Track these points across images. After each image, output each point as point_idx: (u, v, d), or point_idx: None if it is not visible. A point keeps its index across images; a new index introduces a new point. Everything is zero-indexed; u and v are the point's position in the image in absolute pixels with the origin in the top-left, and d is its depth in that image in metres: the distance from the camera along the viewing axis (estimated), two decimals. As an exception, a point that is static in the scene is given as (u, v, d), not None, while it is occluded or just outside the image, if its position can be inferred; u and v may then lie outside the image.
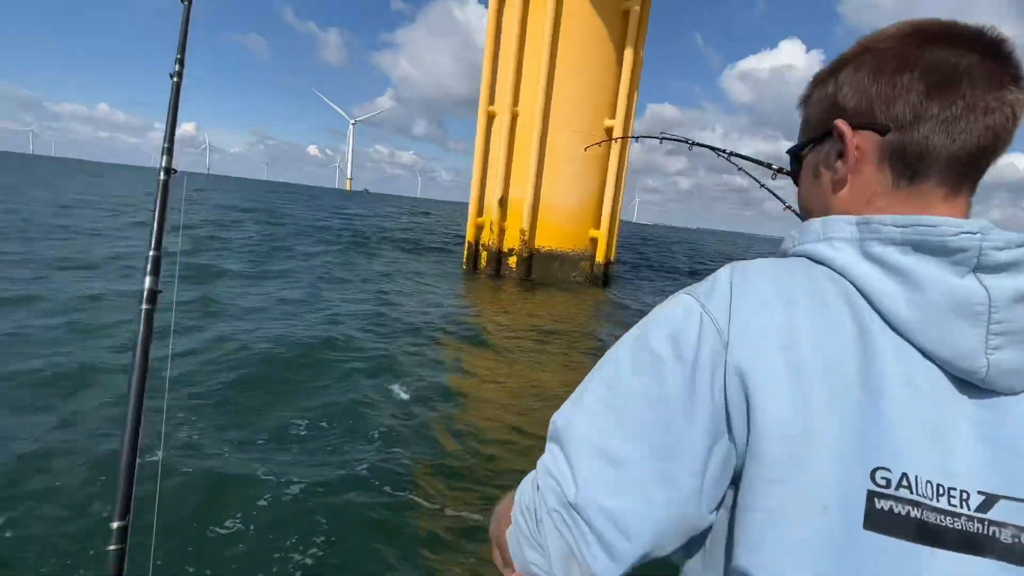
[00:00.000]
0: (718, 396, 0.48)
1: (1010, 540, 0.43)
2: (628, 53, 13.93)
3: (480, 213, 14.72)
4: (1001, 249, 0.45)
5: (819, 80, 0.59)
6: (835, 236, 0.52)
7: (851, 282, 0.49)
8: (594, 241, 14.80)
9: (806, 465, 0.44)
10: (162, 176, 0.96)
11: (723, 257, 37.06)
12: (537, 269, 14.26)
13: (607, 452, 0.49)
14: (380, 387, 4.86)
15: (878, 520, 0.43)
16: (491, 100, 14.19)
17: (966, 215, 0.53)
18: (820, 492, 0.44)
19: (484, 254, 14.56)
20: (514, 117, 13.78)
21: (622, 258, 25.46)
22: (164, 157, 0.98)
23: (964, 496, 0.44)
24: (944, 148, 0.50)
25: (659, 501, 0.48)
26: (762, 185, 1.98)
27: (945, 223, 0.46)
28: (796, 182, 0.66)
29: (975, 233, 0.45)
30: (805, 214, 0.63)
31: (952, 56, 0.49)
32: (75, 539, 2.42)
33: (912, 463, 0.44)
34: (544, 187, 13.94)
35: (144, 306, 0.79)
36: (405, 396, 4.72)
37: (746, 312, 0.49)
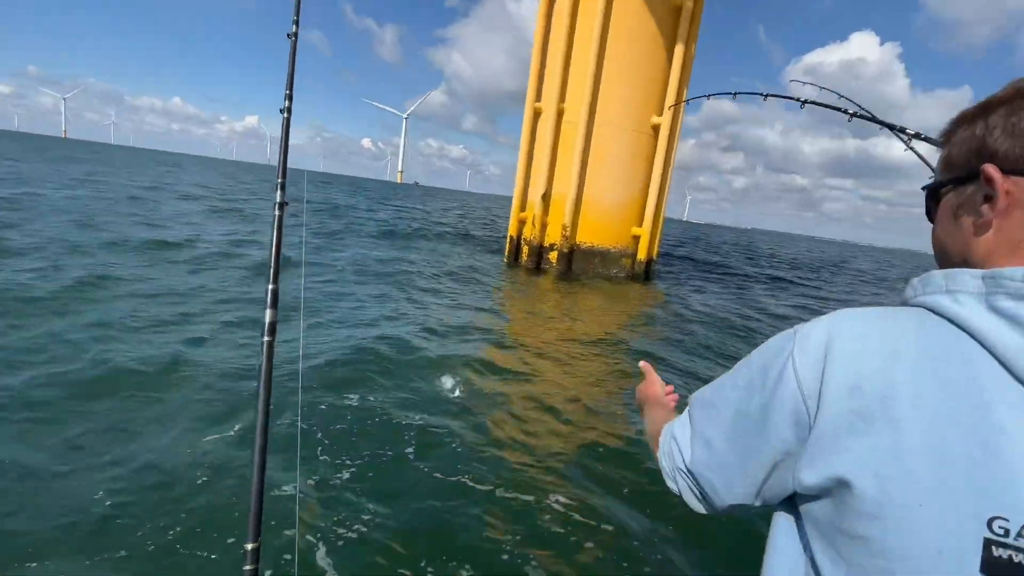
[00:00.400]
0: (787, 429, 0.55)
1: None
2: (679, 50, 13.79)
3: (523, 208, 14.97)
4: None
5: (966, 119, 0.58)
6: (959, 290, 0.51)
7: (974, 337, 0.48)
8: (636, 238, 14.79)
9: (909, 510, 0.46)
10: (277, 212, 0.92)
11: (773, 257, 35.86)
12: (577, 264, 14.39)
13: (707, 438, 0.66)
14: (429, 381, 5.10)
15: (996, 568, 0.43)
16: (538, 97, 14.38)
17: None
18: (931, 537, 0.45)
19: (525, 248, 14.83)
20: (560, 114, 13.92)
21: (669, 255, 25.11)
22: (279, 192, 0.94)
23: None
24: None
25: (737, 484, 0.63)
26: (904, 138, 1.95)
27: None
28: (931, 219, 0.64)
29: None
30: (939, 254, 0.62)
31: None
32: (206, 561, 2.43)
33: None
34: (587, 183, 14.04)
35: (266, 338, 0.79)
36: (454, 392, 4.95)
37: (833, 369, 0.52)
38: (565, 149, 13.97)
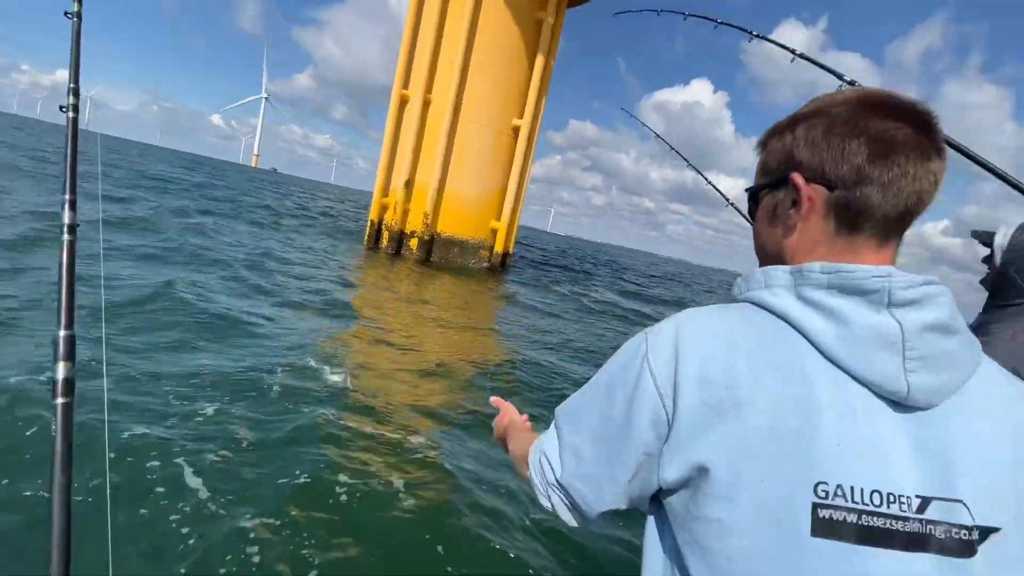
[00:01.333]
0: (648, 431, 0.58)
1: (943, 536, 0.49)
2: (539, 60, 14.94)
3: (386, 194, 14.98)
4: (906, 288, 0.53)
5: (777, 131, 0.65)
6: (775, 284, 0.59)
7: (789, 323, 0.56)
8: (494, 232, 15.62)
9: (753, 485, 0.51)
10: (66, 237, 0.75)
11: (611, 263, 39.86)
12: (437, 253, 14.78)
13: (575, 448, 0.66)
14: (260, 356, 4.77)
15: (822, 528, 0.49)
16: (405, 83, 14.55)
17: (893, 262, 0.60)
18: (770, 507, 0.50)
19: (386, 234, 14.84)
20: (426, 103, 14.24)
21: (527, 253, 26.65)
22: (67, 211, 0.74)
23: (904, 500, 0.50)
24: (879, 207, 0.57)
25: (607, 490, 0.63)
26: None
27: (860, 268, 0.54)
28: (752, 218, 0.70)
29: (883, 276, 0.53)
30: (759, 250, 0.70)
31: (892, 128, 0.56)
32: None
33: (852, 476, 0.50)
34: (450, 175, 14.52)
35: (59, 400, 0.64)
36: (311, 365, 4.77)
37: (683, 364, 0.56)
38: (430, 139, 14.32)
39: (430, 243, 14.60)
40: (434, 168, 14.13)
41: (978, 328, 1.63)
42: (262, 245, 11.56)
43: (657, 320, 0.65)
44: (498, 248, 15.62)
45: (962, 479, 0.51)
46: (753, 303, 0.60)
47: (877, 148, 0.56)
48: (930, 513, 0.50)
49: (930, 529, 0.50)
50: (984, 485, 0.51)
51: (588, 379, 0.70)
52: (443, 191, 14.46)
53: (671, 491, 0.58)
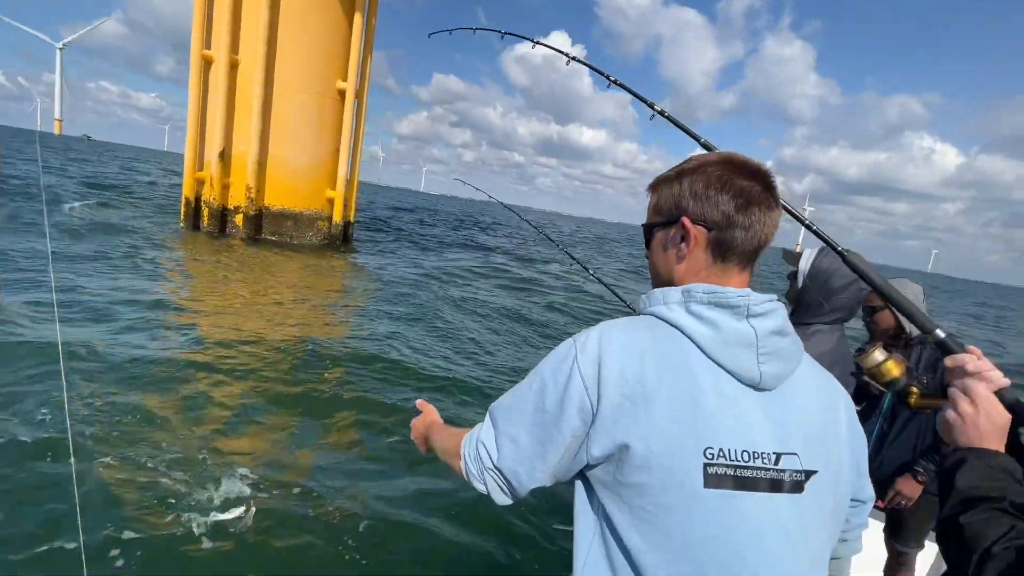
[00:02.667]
0: (576, 418, 0.73)
1: (789, 479, 0.71)
2: (357, 19, 14.29)
3: (200, 167, 13.68)
4: (758, 304, 0.74)
5: (666, 180, 0.83)
6: (671, 302, 0.77)
7: (680, 330, 0.74)
8: (331, 201, 15.11)
9: (661, 456, 0.68)
10: None
11: (480, 222, 40.56)
12: (269, 228, 13.99)
13: (513, 436, 0.79)
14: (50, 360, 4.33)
15: (711, 481, 0.67)
16: (206, 43, 13.14)
17: (749, 283, 0.81)
18: (675, 471, 0.68)
19: (206, 211, 13.65)
20: (233, 66, 13.04)
21: (377, 220, 26.04)
22: None
23: (765, 455, 0.70)
24: (742, 244, 0.78)
25: (539, 470, 0.77)
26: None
27: (730, 290, 0.74)
28: (648, 247, 0.87)
29: (744, 295, 0.74)
30: (653, 274, 0.88)
31: (748, 185, 0.77)
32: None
33: (728, 441, 0.69)
34: (273, 144, 13.62)
35: None
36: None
37: (605, 368, 0.72)
38: (243, 105, 13.22)
39: (258, 218, 13.76)
40: (251, 136, 13.14)
41: None
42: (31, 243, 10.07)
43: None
44: (336, 218, 15.16)
45: (794, 438, 0.73)
46: (655, 316, 0.78)
47: (740, 201, 0.76)
48: (782, 464, 0.71)
49: (782, 475, 0.70)
50: (807, 441, 0.73)
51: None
52: (266, 161, 13.57)
53: (597, 464, 0.73)
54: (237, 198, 13.60)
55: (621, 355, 0.73)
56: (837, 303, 1.74)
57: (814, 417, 0.77)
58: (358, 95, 14.96)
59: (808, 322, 1.77)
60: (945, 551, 0.76)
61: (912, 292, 2.21)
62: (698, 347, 0.73)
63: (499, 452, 0.80)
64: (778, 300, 0.77)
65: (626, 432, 0.70)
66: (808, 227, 1.30)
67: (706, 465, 0.68)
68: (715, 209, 0.77)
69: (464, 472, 0.86)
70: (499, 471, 0.80)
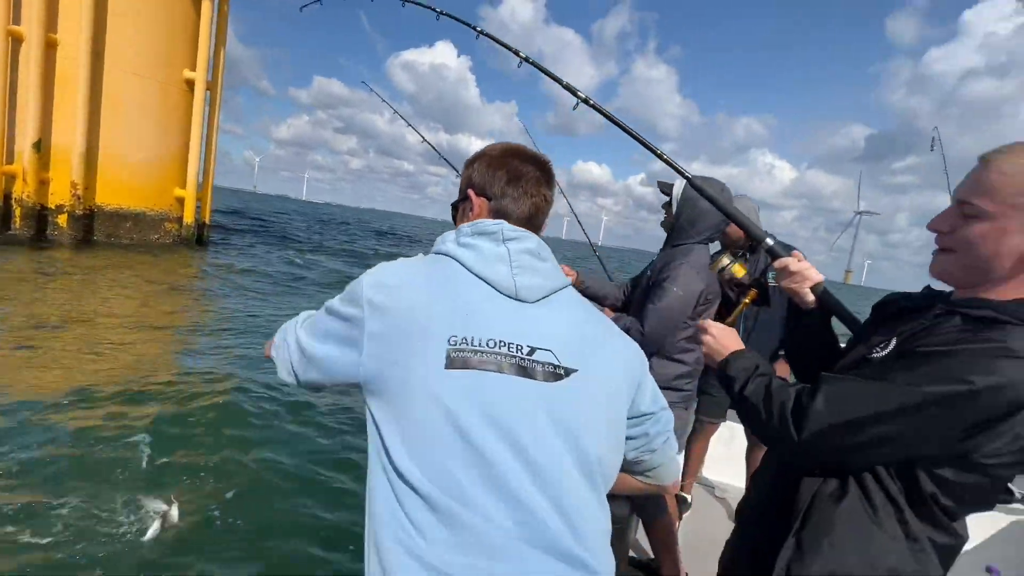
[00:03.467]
0: (356, 330, 0.84)
1: (542, 369, 0.81)
2: (206, 5, 13.25)
3: (10, 160, 11.75)
4: (510, 231, 0.90)
5: (467, 164, 1.02)
6: (447, 240, 0.92)
7: (451, 257, 0.89)
8: (181, 201, 13.76)
9: (415, 343, 0.79)
10: None
11: (344, 228, 39.38)
12: (102, 230, 12.40)
13: (304, 346, 0.92)
14: None
15: (453, 363, 0.77)
16: (13, 18, 11.37)
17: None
18: (427, 355, 0.78)
19: (18, 211, 11.75)
20: (51, 45, 11.43)
21: (239, 225, 24.26)
22: None
23: (517, 347, 0.81)
24: (513, 211, 0.95)
25: (312, 372, 0.91)
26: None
27: (488, 221, 0.92)
28: (453, 220, 1.06)
29: (499, 224, 0.90)
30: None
31: (522, 166, 0.97)
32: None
33: (475, 332, 0.80)
34: (106, 135, 12.13)
35: None
36: None
37: (380, 291, 0.84)
38: (65, 90, 11.61)
39: (88, 219, 12.14)
40: (76, 126, 11.60)
41: (664, 266, 1.96)
42: None
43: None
44: (188, 219, 13.84)
45: (550, 340, 0.84)
46: (435, 253, 0.93)
47: (511, 176, 0.96)
48: (536, 356, 0.82)
49: (535, 365, 0.81)
50: (563, 345, 0.85)
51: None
52: (96, 154, 12.04)
53: (370, 376, 0.82)
54: (60, 196, 11.89)
55: (391, 273, 0.87)
56: (705, 224, 1.96)
57: (574, 328, 0.89)
58: (210, 87, 13.84)
59: (684, 242, 1.99)
60: (748, 421, 1.00)
61: (746, 207, 2.51)
62: (465, 267, 0.87)
63: (299, 348, 0.94)
64: (532, 234, 0.94)
65: (385, 338, 0.81)
66: (660, 157, 1.53)
67: (449, 351, 0.78)
68: (492, 184, 0.97)
69: (276, 359, 1.00)
70: (295, 372, 0.95)
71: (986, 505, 0.90)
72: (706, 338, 1.17)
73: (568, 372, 0.83)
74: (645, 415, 0.98)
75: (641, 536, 2.36)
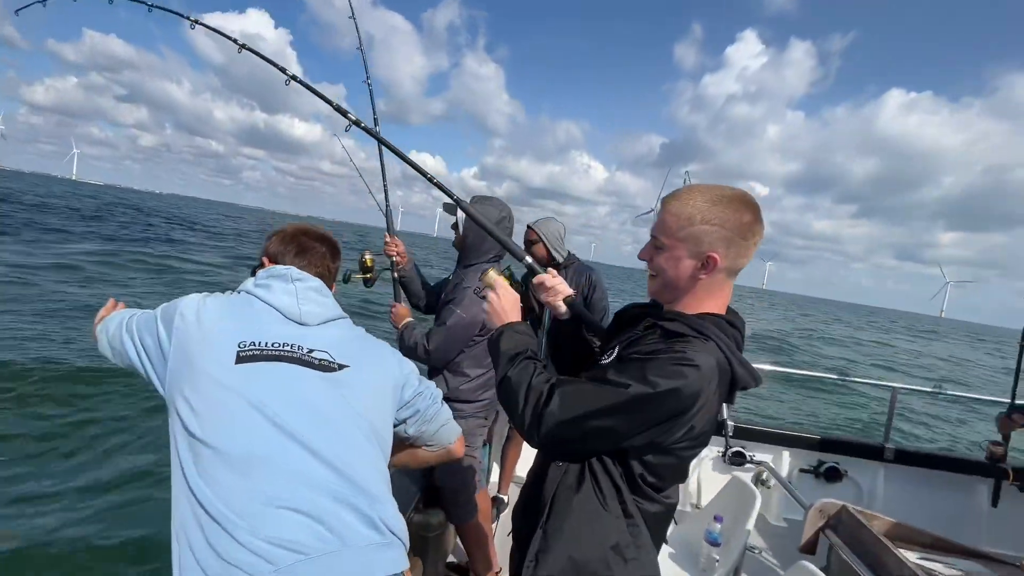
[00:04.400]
0: (155, 347, 1.03)
1: (320, 362, 1.00)
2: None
3: None
4: (298, 273, 1.12)
5: (267, 238, 1.24)
6: (247, 283, 1.12)
7: (250, 293, 1.09)
8: None
9: (208, 351, 0.97)
10: None
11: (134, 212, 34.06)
12: None
13: (130, 335, 1.09)
14: None
15: (242, 359, 0.95)
16: None
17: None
18: (218, 357, 0.95)
19: None
20: None
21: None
22: None
23: (297, 347, 1.01)
24: (293, 268, 1.16)
25: (133, 355, 1.07)
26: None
27: (280, 267, 1.14)
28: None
29: (288, 269, 1.12)
30: None
31: (310, 243, 1.22)
32: None
33: (263, 337, 0.99)
34: None
35: None
36: None
37: (181, 316, 1.03)
38: None
39: None
40: None
41: (454, 287, 1.98)
42: None
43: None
44: None
45: (327, 345, 1.05)
46: (238, 292, 1.13)
47: (295, 248, 1.21)
48: (314, 354, 1.02)
49: (312, 358, 1.01)
50: (338, 349, 1.06)
51: None
52: None
53: (172, 391, 0.98)
54: None
55: (192, 304, 1.06)
56: (490, 244, 2.00)
57: (347, 340, 1.10)
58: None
59: (474, 263, 2.03)
60: (505, 404, 0.99)
61: (552, 229, 2.70)
62: (259, 299, 1.07)
63: (122, 334, 1.12)
64: (316, 279, 1.15)
65: (183, 357, 0.98)
66: (433, 182, 1.42)
67: (239, 352, 0.96)
68: (284, 256, 1.19)
69: (103, 346, 1.18)
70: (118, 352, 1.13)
71: (682, 478, 1.05)
72: (491, 296, 1.14)
73: (341, 367, 1.03)
74: (414, 396, 1.17)
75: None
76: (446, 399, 1.35)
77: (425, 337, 1.99)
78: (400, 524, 0.97)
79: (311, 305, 1.08)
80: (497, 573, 2.17)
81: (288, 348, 0.99)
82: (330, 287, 1.19)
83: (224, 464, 0.86)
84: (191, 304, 1.05)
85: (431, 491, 2.11)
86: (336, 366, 1.02)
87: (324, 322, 1.09)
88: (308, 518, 0.84)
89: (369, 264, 2.20)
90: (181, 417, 0.92)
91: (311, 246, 1.19)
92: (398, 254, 2.25)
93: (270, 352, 0.97)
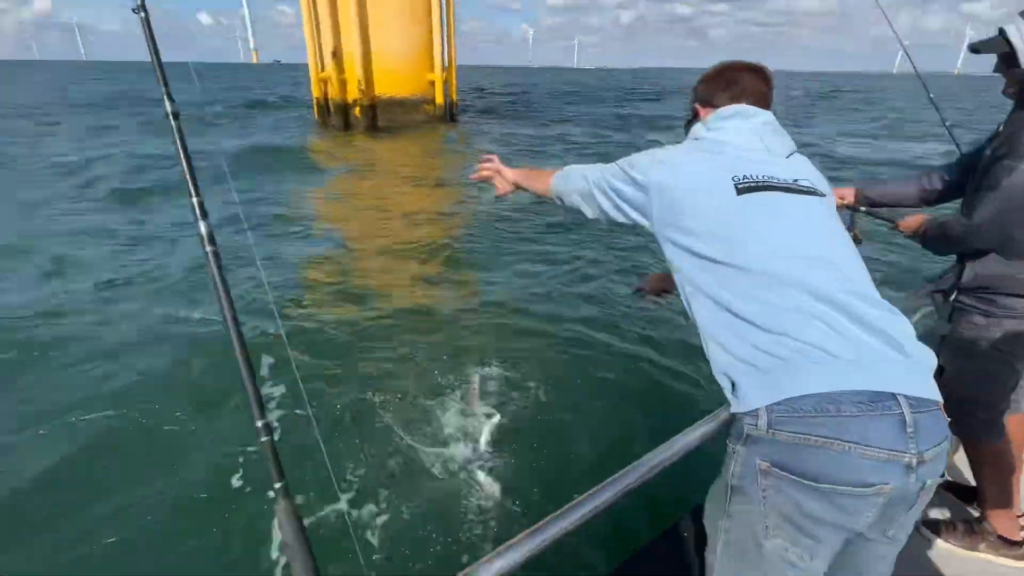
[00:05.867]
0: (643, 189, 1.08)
1: (806, 188, 1.02)
2: None
3: (322, 68, 15.81)
4: (751, 109, 1.12)
5: (693, 88, 1.24)
6: (698, 130, 1.12)
7: (713, 140, 1.08)
8: (432, 84, 16.32)
9: (709, 188, 1.00)
10: (172, 122, 0.84)
11: (598, 100, 38.05)
12: (383, 116, 15.87)
13: (607, 184, 1.14)
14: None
15: (741, 191, 0.98)
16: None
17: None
18: (718, 193, 0.99)
19: (331, 107, 15.97)
20: (330, -33, 14.27)
21: (488, 101, 26.63)
22: (166, 100, 0.83)
23: (783, 179, 1.01)
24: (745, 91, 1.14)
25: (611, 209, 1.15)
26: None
27: (732, 109, 1.12)
28: (688, 125, 1.23)
29: (739, 107, 1.11)
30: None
31: (737, 75, 1.16)
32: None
33: (751, 171, 1.00)
34: (373, 35, 14.99)
35: (208, 248, 0.81)
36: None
37: (658, 171, 1.06)
38: (345, 3, 14.59)
39: (372, 108, 15.65)
40: (352, 30, 14.64)
41: (1009, 137, 1.43)
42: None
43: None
44: (439, 99, 16.43)
45: (803, 175, 1.06)
46: (692, 139, 1.15)
47: (728, 83, 1.16)
48: (800, 183, 1.03)
49: (801, 187, 1.03)
50: (811, 179, 1.07)
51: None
52: (369, 53, 15.09)
53: (659, 219, 1.05)
54: (352, 92, 15.58)
55: (661, 156, 1.09)
56: None
57: (814, 171, 1.12)
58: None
59: None
60: None
61: None
62: (725, 143, 1.07)
63: (606, 183, 1.15)
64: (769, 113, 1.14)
65: (669, 184, 1.03)
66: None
67: (736, 184, 0.99)
68: (712, 95, 1.17)
69: (561, 193, 1.26)
70: (591, 195, 1.18)
71: None
72: None
73: (820, 195, 1.06)
74: None
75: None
76: (991, 292, 1.30)
77: (963, 213, 1.54)
78: (924, 350, 0.90)
79: (774, 139, 1.09)
80: (1019, 517, 1.73)
81: (778, 180, 1.01)
82: (770, 104, 1.18)
83: (746, 279, 0.92)
84: (660, 153, 1.10)
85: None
86: (820, 193, 1.05)
87: (791, 153, 1.10)
88: (836, 333, 0.85)
89: None
90: (686, 245, 0.99)
91: (738, 77, 1.16)
92: None
93: (765, 183, 1.00)
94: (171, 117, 0.85)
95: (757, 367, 0.86)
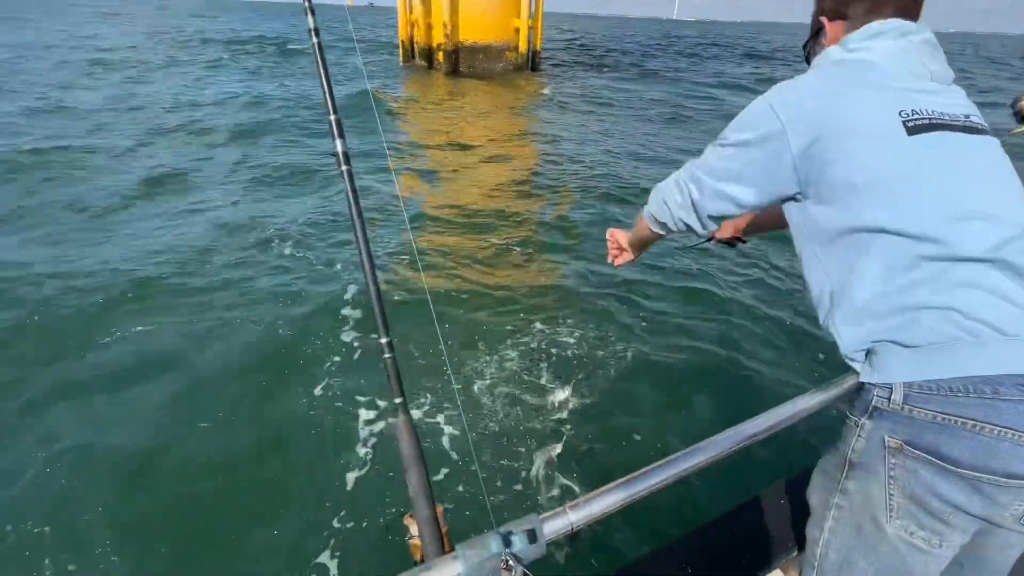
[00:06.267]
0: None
1: (974, 125, 0.85)
2: None
3: (410, 11, 15.92)
4: (905, 24, 0.90)
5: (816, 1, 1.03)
6: (833, 54, 0.92)
7: (859, 61, 0.88)
8: (517, 31, 16.02)
9: (872, 128, 0.81)
10: (315, 38, 0.87)
11: (686, 54, 35.55)
12: (465, 62, 15.88)
13: (715, 174, 0.93)
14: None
15: (911, 131, 0.80)
16: None
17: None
18: (886, 133, 0.81)
19: (417, 50, 16.16)
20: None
21: (570, 51, 25.52)
22: (312, 27, 0.87)
23: (955, 115, 0.83)
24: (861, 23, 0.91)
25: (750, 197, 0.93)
26: None
27: (881, 24, 0.89)
28: (808, 59, 1.06)
29: (891, 22, 0.89)
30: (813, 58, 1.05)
31: None
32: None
33: (919, 106, 0.82)
34: (462, -21, 14.86)
35: (344, 167, 0.82)
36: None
37: (806, 103, 0.86)
38: (435, -56, 14.48)
39: (455, 53, 15.68)
40: (442, -25, 14.57)
41: None
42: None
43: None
44: (522, 47, 16.14)
45: (972, 111, 0.90)
46: (829, 64, 0.94)
47: None
48: (971, 120, 0.88)
49: (970, 123, 0.87)
50: (973, 116, 0.89)
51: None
52: (457, -1, 14.99)
53: (809, 175, 0.87)
54: (438, 36, 15.65)
55: (795, 88, 0.90)
56: None
57: (967, 104, 0.94)
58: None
59: None
60: None
61: None
62: (870, 65, 0.90)
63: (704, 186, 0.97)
64: (925, 27, 0.95)
65: (815, 140, 0.84)
66: None
67: (904, 122, 0.82)
68: (845, 6, 0.98)
69: (664, 212, 1.05)
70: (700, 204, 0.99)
71: None
72: None
73: (985, 132, 0.91)
74: None
75: None
76: None
77: None
78: None
79: (936, 64, 0.91)
80: None
81: (950, 118, 0.85)
82: (919, 11, 0.98)
83: (915, 245, 0.79)
84: (781, 93, 0.90)
85: None
86: (988, 131, 0.90)
87: (952, 82, 0.94)
88: (1015, 307, 0.76)
89: None
90: (831, 203, 0.85)
91: None
92: None
93: (938, 121, 0.84)
94: (313, 33, 0.88)
95: (909, 340, 0.77)
